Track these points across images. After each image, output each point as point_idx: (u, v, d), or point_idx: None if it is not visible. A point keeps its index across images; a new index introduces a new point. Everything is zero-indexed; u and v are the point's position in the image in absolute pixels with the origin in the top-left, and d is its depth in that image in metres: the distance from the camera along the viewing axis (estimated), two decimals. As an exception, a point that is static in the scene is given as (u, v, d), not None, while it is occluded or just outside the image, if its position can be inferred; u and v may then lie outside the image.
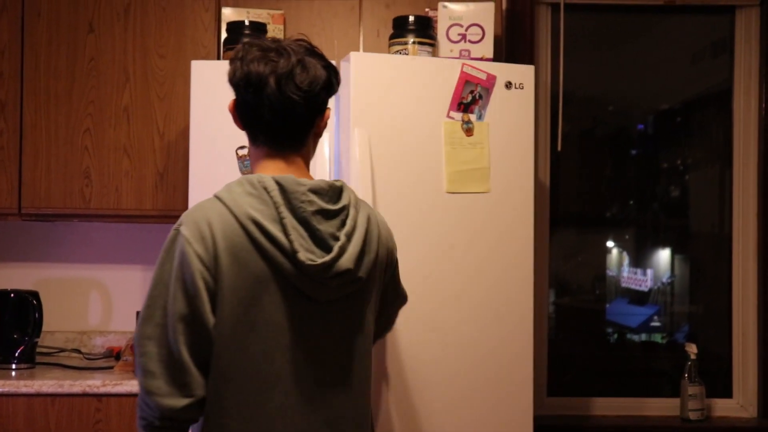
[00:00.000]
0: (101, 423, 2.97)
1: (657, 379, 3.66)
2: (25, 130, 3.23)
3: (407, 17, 3.10)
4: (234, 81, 1.69)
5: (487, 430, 2.67)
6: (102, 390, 2.97)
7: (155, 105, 3.24)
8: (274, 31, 3.19)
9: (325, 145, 2.78)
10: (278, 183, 1.62)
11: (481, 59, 3.15)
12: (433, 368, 2.65)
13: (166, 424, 1.59)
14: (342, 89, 2.25)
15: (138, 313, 3.12)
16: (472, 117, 2.78)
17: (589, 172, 3.76)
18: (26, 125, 3.23)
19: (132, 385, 2.98)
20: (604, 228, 3.72)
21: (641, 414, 3.47)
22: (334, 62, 1.84)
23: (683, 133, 3.76)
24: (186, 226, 1.62)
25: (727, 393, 3.54)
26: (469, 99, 2.80)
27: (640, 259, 3.75)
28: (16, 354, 3.22)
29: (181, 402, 1.58)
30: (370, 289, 1.72)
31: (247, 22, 3.11)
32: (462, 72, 2.80)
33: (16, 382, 2.96)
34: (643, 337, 3.77)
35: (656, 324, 3.75)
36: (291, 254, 1.57)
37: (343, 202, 1.67)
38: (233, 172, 2.91)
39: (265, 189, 1.61)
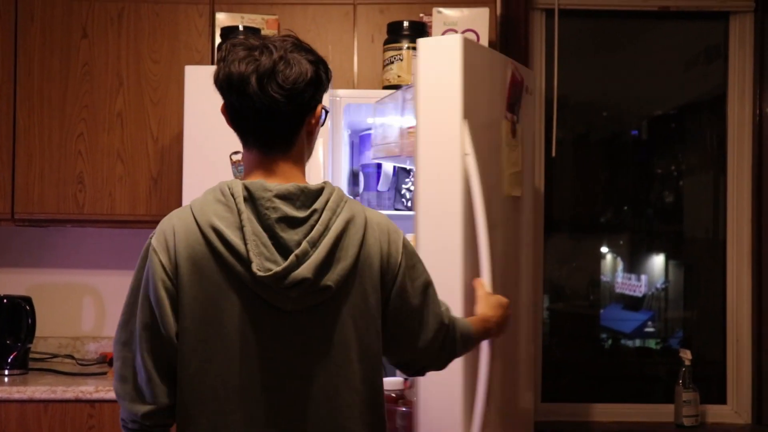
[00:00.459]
0: (94, 429, 2.96)
1: (651, 384, 3.65)
2: (18, 135, 3.22)
3: (402, 22, 3.10)
4: (218, 83, 1.63)
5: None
6: (95, 396, 2.96)
7: (149, 110, 3.24)
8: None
9: (319, 150, 2.76)
10: (247, 189, 1.58)
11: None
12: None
13: (136, 427, 1.61)
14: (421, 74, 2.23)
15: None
16: (515, 118, 2.73)
17: (583, 177, 3.76)
18: (19, 130, 3.22)
19: (125, 391, 2.97)
20: (598, 233, 3.72)
21: (635, 420, 3.47)
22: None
23: (677, 138, 3.76)
24: (155, 235, 1.62)
25: (722, 399, 3.54)
26: (514, 99, 2.73)
27: (634, 264, 3.75)
28: (9, 360, 3.21)
29: (143, 408, 1.59)
30: (353, 299, 1.61)
31: (241, 27, 3.10)
32: (512, 71, 2.70)
33: (8, 388, 2.95)
34: (638, 342, 3.77)
35: (650, 329, 3.74)
36: (248, 263, 1.54)
37: (315, 206, 1.59)
38: (227, 177, 2.85)
39: (233, 195, 1.58)
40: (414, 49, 3.06)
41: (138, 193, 3.23)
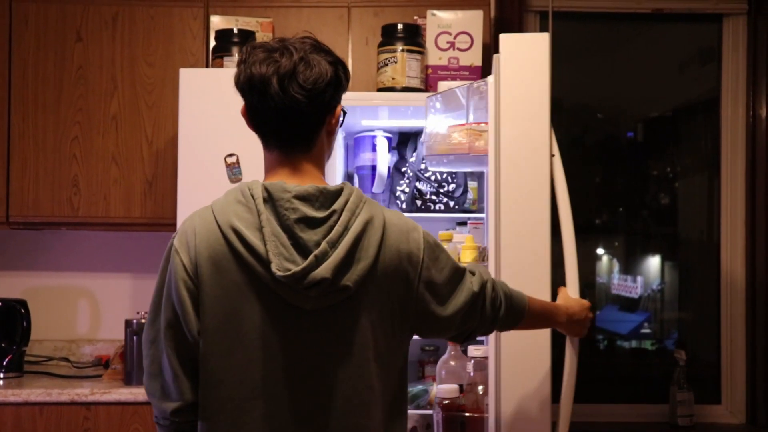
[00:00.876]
0: (90, 432, 2.97)
1: (646, 385, 3.66)
2: (12, 139, 3.23)
3: (396, 25, 3.11)
4: (239, 85, 1.66)
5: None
6: (90, 398, 2.96)
7: (143, 113, 3.24)
8: (263, 39, 3.18)
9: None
10: (266, 190, 1.61)
11: (469, 67, 3.16)
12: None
13: (167, 423, 1.65)
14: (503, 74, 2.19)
15: (126, 321, 3.15)
16: None
17: (578, 179, 3.76)
18: (14, 133, 3.23)
19: (120, 394, 2.97)
20: (594, 235, 3.72)
21: (630, 420, 3.48)
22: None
23: (672, 140, 3.77)
24: (177, 235, 1.65)
25: (716, 399, 3.54)
26: None
27: (630, 266, 3.75)
28: (4, 363, 3.21)
29: (171, 405, 1.62)
30: (371, 299, 1.63)
31: (235, 30, 3.11)
32: None
33: (3, 391, 2.95)
34: (633, 343, 3.77)
35: (646, 331, 3.75)
36: (267, 263, 1.56)
37: (334, 207, 1.61)
38: (222, 180, 2.91)
39: (252, 196, 1.61)
40: (409, 51, 3.07)
41: (133, 196, 3.23)
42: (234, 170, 2.92)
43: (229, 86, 3.08)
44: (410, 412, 2.67)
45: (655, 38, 3.72)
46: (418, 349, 3.26)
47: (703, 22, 3.63)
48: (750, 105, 3.51)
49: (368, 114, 3.15)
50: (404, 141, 3.30)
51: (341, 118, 1.73)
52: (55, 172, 3.23)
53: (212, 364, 1.60)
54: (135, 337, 3.08)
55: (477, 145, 2.46)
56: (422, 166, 3.17)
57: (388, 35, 3.12)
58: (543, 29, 3.50)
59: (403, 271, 1.66)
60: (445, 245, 2.66)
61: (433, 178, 3.16)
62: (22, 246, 3.56)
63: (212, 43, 3.18)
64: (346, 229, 1.60)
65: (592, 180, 3.76)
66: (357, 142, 3.26)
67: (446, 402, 2.32)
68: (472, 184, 3.20)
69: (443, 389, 2.33)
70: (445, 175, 3.16)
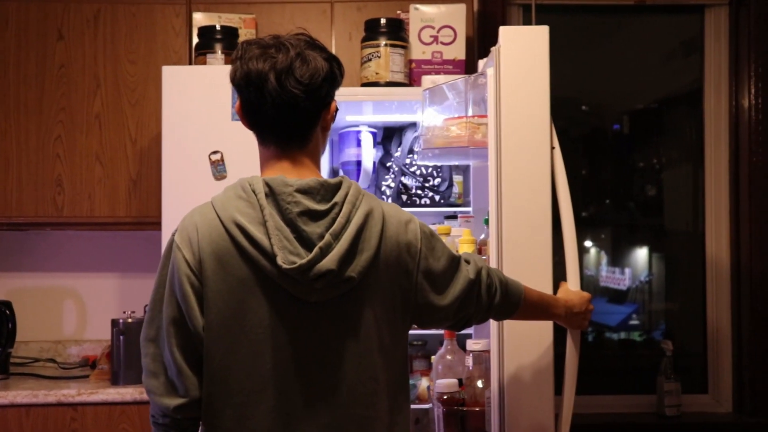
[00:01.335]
0: (77, 432, 2.96)
1: (634, 376, 3.67)
2: (-6, 139, 3.21)
3: (379, 20, 3.11)
4: (235, 81, 1.67)
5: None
6: (77, 399, 2.95)
7: (127, 111, 3.23)
8: (246, 35, 3.18)
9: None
10: (267, 184, 1.62)
11: (453, 61, 3.16)
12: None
13: (167, 422, 1.65)
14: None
15: (113, 321, 3.13)
16: None
17: (565, 172, 3.77)
18: (-4, 133, 3.21)
19: (107, 394, 2.96)
20: (581, 228, 3.71)
21: (618, 411, 3.49)
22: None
23: (657, 132, 3.78)
24: (178, 231, 1.66)
25: (703, 389, 3.56)
26: None
27: (617, 258, 3.76)
28: (-10, 365, 3.19)
29: (175, 401, 1.62)
30: (374, 290, 1.65)
31: (218, 27, 3.10)
32: None
33: (-11, 393, 2.93)
34: (622, 335, 3.78)
35: (634, 322, 3.76)
36: (272, 257, 1.57)
37: (335, 200, 1.63)
38: (206, 178, 2.90)
39: (254, 191, 1.62)
40: (392, 46, 3.07)
41: (117, 195, 3.22)
42: (218, 167, 2.91)
43: (212, 83, 3.09)
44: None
45: (639, 30, 3.73)
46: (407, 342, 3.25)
47: (686, 14, 3.64)
48: (732, 95, 3.52)
49: (352, 109, 3.15)
50: (389, 136, 3.30)
51: (335, 114, 1.75)
52: (39, 171, 3.21)
53: (217, 359, 1.61)
54: (122, 337, 3.06)
55: (475, 138, 2.47)
56: (407, 161, 3.17)
57: (372, 30, 3.12)
58: (526, 22, 3.50)
59: (403, 261, 1.68)
60: (443, 239, 2.67)
61: (418, 172, 3.16)
62: (7, 247, 3.53)
63: (195, 40, 3.16)
64: (348, 221, 1.62)
65: (578, 173, 3.76)
66: (342, 138, 3.25)
67: (446, 397, 2.32)
68: (457, 178, 3.20)
69: (443, 384, 2.33)
70: (430, 170, 3.16)
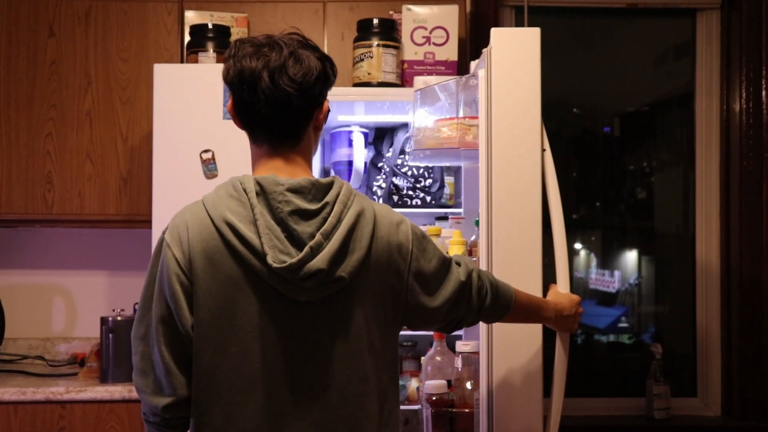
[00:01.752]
0: (65, 430, 2.95)
1: (623, 379, 3.68)
2: (-16, 135, 3.19)
3: (371, 20, 3.10)
4: (228, 79, 1.66)
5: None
6: (66, 397, 2.94)
7: (118, 109, 3.22)
8: (238, 34, 3.17)
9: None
10: (259, 183, 1.62)
11: (445, 62, 3.16)
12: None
13: (157, 420, 1.65)
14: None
15: (102, 318, 3.12)
16: None
17: (555, 174, 3.77)
18: (-14, 130, 3.19)
19: (96, 392, 2.95)
20: (571, 230, 3.72)
21: (607, 414, 3.50)
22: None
23: (648, 135, 3.79)
24: (169, 229, 1.65)
25: (692, 392, 3.57)
26: None
27: (607, 260, 3.77)
28: (-22, 362, 3.18)
29: (163, 400, 1.62)
30: (364, 291, 1.65)
31: (210, 25, 3.09)
32: None
33: (-24, 391, 2.92)
34: (611, 337, 3.79)
35: (624, 325, 3.77)
36: (262, 256, 1.57)
37: (327, 199, 1.63)
38: (197, 176, 2.90)
39: (245, 190, 1.62)
40: (384, 46, 3.07)
41: (108, 193, 3.21)
42: (209, 166, 2.91)
43: (204, 82, 3.08)
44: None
45: (630, 33, 3.74)
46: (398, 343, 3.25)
47: (678, 17, 3.66)
48: (724, 99, 3.53)
49: (344, 109, 3.15)
50: (380, 136, 3.30)
51: (327, 114, 1.75)
52: (29, 168, 3.20)
53: (206, 358, 1.60)
54: (111, 335, 3.05)
55: (466, 139, 2.47)
56: (399, 162, 3.17)
57: (364, 30, 3.11)
58: (518, 24, 3.51)
59: (394, 262, 1.68)
60: (434, 240, 2.66)
61: (409, 173, 3.16)
62: (-4, 244, 3.53)
63: (187, 38, 3.16)
64: (339, 221, 1.62)
65: (569, 175, 3.77)
66: (333, 138, 3.25)
67: (435, 398, 2.32)
68: (448, 179, 3.21)
69: (432, 385, 2.33)
70: (421, 170, 3.17)
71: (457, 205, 3.17)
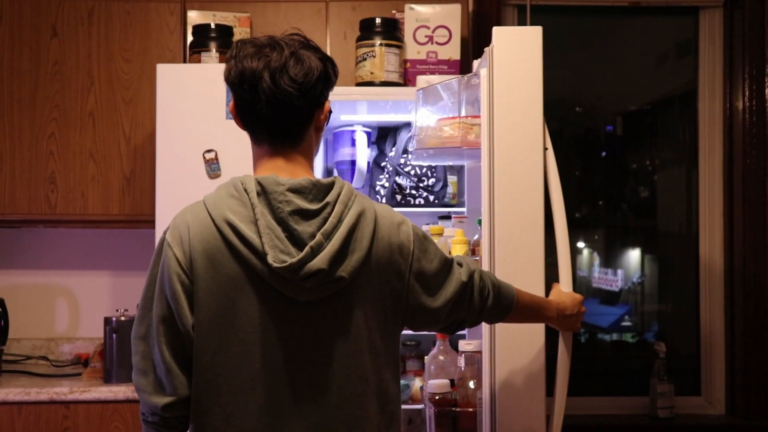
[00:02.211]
0: (69, 430, 2.95)
1: (627, 378, 3.68)
2: (-12, 136, 3.20)
3: (374, 19, 3.10)
4: (229, 80, 1.67)
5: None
6: (70, 397, 2.95)
7: (121, 109, 3.22)
8: (240, 34, 3.17)
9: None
10: (259, 183, 1.62)
11: (448, 61, 3.16)
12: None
13: (156, 420, 1.65)
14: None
15: (106, 319, 3.13)
16: None
17: (558, 173, 3.77)
18: (-11, 131, 3.20)
19: (100, 392, 2.95)
20: (574, 229, 3.73)
21: (611, 413, 3.49)
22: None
23: (651, 133, 3.78)
24: (170, 229, 1.66)
25: (696, 391, 3.57)
26: None
27: (610, 259, 3.77)
28: (-18, 362, 3.18)
29: (163, 400, 1.62)
30: (365, 291, 1.65)
31: (213, 25, 3.10)
32: None
33: (-19, 391, 2.92)
34: (614, 336, 3.79)
35: (627, 323, 3.76)
36: (263, 255, 1.57)
37: (328, 199, 1.63)
38: (200, 176, 2.90)
39: (246, 190, 1.62)
40: (387, 45, 3.07)
41: (111, 193, 3.21)
42: (213, 166, 2.91)
43: (207, 81, 3.09)
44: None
45: (633, 32, 3.73)
46: (400, 343, 3.25)
47: (680, 15, 3.65)
48: (726, 97, 3.53)
49: (347, 109, 3.15)
50: (383, 135, 3.30)
51: (328, 116, 1.76)
52: (32, 169, 3.20)
53: (207, 358, 1.61)
54: (114, 335, 3.06)
55: (469, 139, 2.47)
56: (402, 161, 3.17)
57: (367, 29, 3.11)
58: (521, 23, 3.51)
59: (395, 262, 1.68)
60: (436, 239, 2.66)
61: (412, 172, 3.16)
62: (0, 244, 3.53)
63: (189, 38, 3.16)
64: (339, 221, 1.62)
65: (571, 174, 3.77)
66: (336, 137, 3.25)
67: (438, 397, 2.32)
68: (451, 179, 3.20)
69: (435, 384, 2.33)
70: (424, 170, 3.16)
71: (461, 205, 3.17)
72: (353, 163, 3.17)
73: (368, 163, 3.21)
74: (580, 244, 3.76)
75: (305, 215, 1.61)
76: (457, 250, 2.55)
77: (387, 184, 3.18)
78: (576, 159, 3.80)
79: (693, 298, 3.61)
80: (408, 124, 3.20)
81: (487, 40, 2.31)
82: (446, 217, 3.17)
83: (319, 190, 1.64)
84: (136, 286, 3.34)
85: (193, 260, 1.60)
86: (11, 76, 3.20)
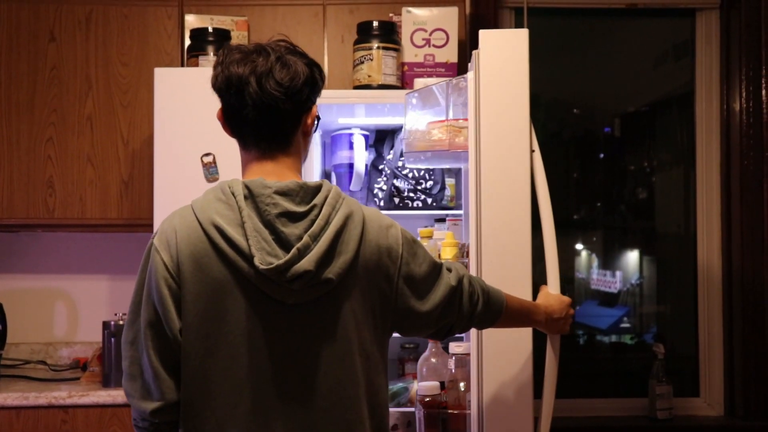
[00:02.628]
0: (68, 435, 2.95)
1: (626, 379, 3.68)
2: (-15, 140, 3.20)
3: (371, 22, 3.10)
4: (216, 86, 1.68)
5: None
6: (68, 401, 2.94)
7: (119, 113, 3.22)
8: (238, 37, 3.18)
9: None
10: (247, 186, 1.62)
11: (445, 64, 3.16)
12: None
13: (146, 425, 1.65)
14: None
15: (104, 323, 3.13)
16: None
17: (556, 175, 3.78)
18: (-13, 135, 3.20)
19: (98, 396, 2.95)
20: (572, 230, 3.73)
21: (610, 414, 3.49)
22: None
23: (649, 135, 3.79)
24: (157, 234, 1.66)
25: (694, 392, 3.57)
26: None
27: (608, 260, 3.77)
28: (-20, 367, 3.18)
29: (151, 405, 1.62)
30: (353, 294, 1.64)
31: (210, 29, 3.10)
32: None
33: (-21, 396, 2.92)
34: (613, 338, 3.79)
35: (626, 325, 3.77)
36: (250, 258, 1.58)
37: (315, 202, 1.63)
38: (198, 180, 2.90)
39: (233, 194, 1.62)
40: (384, 48, 3.07)
41: (109, 197, 3.21)
42: (210, 170, 2.91)
43: (204, 85, 3.06)
44: (391, 409, 2.68)
45: (630, 33, 3.74)
46: (398, 346, 3.26)
47: (677, 17, 3.66)
48: (724, 98, 3.53)
49: (345, 112, 3.15)
50: (381, 138, 3.30)
51: (316, 122, 1.76)
52: (30, 173, 3.20)
53: (195, 362, 1.60)
54: (113, 339, 3.06)
55: (457, 142, 2.46)
56: (400, 164, 3.17)
57: (364, 33, 3.12)
58: (518, 25, 3.51)
59: (383, 266, 1.68)
60: (426, 242, 2.66)
61: (410, 175, 3.16)
62: (-2, 249, 3.53)
63: (187, 42, 3.16)
64: (327, 223, 1.63)
65: (569, 175, 3.77)
66: (334, 140, 3.25)
67: (428, 399, 2.32)
68: (449, 181, 3.21)
69: (425, 386, 2.33)
70: (422, 173, 3.17)
71: (458, 207, 3.17)
72: (351, 166, 3.18)
73: (366, 166, 3.21)
74: (579, 246, 3.76)
75: (292, 217, 1.61)
76: (447, 253, 2.55)
77: (385, 187, 3.18)
78: (574, 160, 3.80)
79: (691, 299, 3.62)
80: (405, 127, 3.20)
81: (483, 43, 2.31)
82: (442, 219, 3.17)
83: (307, 193, 1.64)
84: (135, 290, 3.35)
85: (181, 264, 1.60)
86: (9, 81, 3.20)
